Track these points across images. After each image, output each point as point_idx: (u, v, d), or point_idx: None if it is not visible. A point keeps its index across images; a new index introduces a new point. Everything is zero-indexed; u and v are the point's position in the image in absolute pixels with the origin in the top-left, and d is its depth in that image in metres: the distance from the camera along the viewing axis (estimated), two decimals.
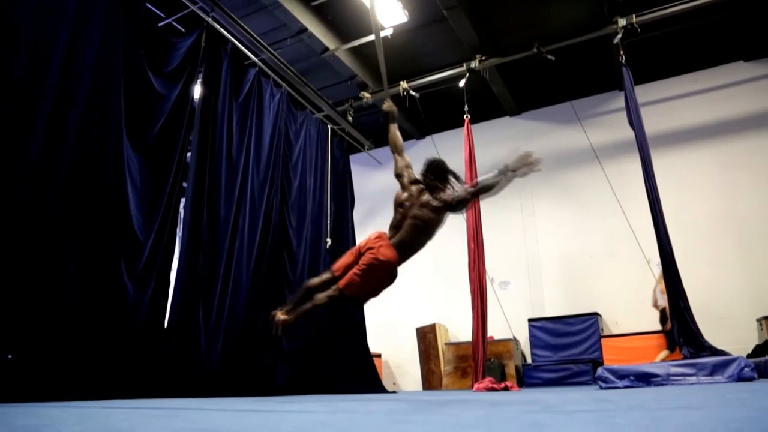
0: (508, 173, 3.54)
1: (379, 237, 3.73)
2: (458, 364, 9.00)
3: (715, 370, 5.08)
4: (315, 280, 3.86)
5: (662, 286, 7.13)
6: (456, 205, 3.67)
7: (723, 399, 2.55)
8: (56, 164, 4.39)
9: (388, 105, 4.34)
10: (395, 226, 3.76)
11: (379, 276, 3.66)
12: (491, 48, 8.63)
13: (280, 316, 3.74)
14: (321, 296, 3.69)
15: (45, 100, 4.37)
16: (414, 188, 3.80)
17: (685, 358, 5.85)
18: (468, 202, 3.76)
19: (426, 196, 3.68)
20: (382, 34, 8.13)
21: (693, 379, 5.09)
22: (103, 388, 4.31)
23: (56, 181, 4.38)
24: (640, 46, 8.40)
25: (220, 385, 5.59)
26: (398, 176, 3.98)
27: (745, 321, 7.97)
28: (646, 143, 6.79)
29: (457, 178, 3.71)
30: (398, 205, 3.82)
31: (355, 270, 3.63)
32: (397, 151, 4.11)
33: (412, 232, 3.67)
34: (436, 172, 3.70)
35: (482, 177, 3.84)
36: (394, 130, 4.24)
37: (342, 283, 3.64)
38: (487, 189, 3.65)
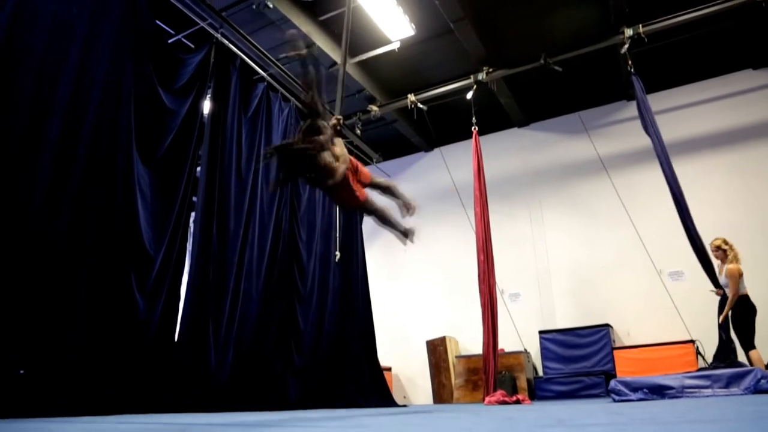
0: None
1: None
2: (469, 377, 8.93)
3: (731, 381, 5.01)
4: None
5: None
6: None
7: (739, 412, 2.51)
8: (67, 180, 4.44)
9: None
10: None
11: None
12: (498, 60, 8.66)
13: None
14: None
15: (55, 118, 4.42)
16: None
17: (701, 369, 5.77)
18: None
19: None
20: (390, 47, 8.23)
21: (708, 391, 5.02)
22: (114, 402, 4.32)
23: (67, 196, 4.42)
24: (647, 56, 8.38)
25: (231, 399, 5.59)
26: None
27: (762, 331, 7.84)
28: (665, 149, 6.73)
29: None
30: None
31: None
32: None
33: None
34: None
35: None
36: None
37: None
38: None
